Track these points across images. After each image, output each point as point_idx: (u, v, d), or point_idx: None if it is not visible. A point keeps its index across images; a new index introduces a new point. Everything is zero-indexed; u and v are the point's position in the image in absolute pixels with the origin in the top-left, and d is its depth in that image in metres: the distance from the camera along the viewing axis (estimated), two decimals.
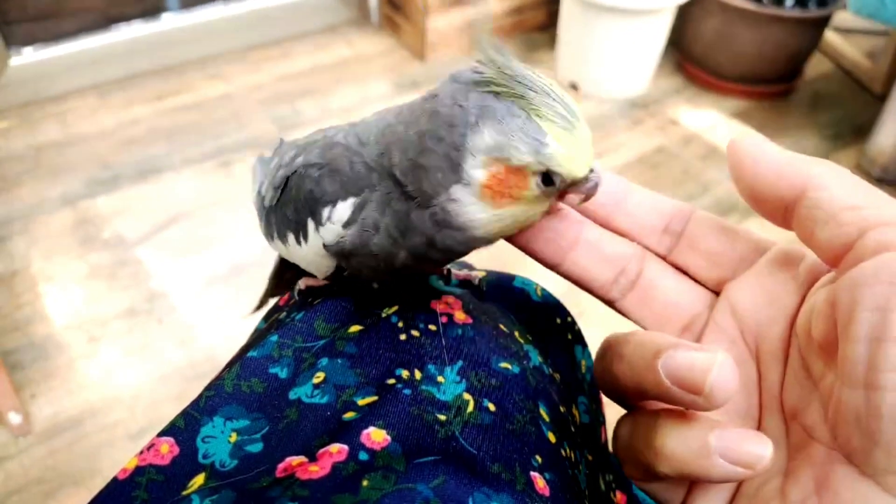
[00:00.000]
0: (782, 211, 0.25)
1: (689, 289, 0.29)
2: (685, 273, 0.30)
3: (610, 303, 0.30)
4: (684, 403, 0.23)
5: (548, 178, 0.27)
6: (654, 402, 0.26)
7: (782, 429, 0.25)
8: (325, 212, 0.31)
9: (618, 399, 0.27)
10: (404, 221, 0.29)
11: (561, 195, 0.28)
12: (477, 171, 0.27)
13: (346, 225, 0.31)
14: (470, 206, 0.27)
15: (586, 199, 0.29)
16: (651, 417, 0.25)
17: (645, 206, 0.30)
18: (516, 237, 0.30)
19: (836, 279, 0.23)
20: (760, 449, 0.22)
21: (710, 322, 0.28)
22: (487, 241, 0.29)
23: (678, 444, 0.23)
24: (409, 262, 0.30)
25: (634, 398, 0.26)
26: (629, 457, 0.26)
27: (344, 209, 0.30)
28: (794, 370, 0.25)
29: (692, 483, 0.26)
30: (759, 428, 0.26)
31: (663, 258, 0.30)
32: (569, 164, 0.26)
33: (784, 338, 0.26)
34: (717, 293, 0.29)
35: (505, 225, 0.29)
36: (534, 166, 0.26)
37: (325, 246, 0.32)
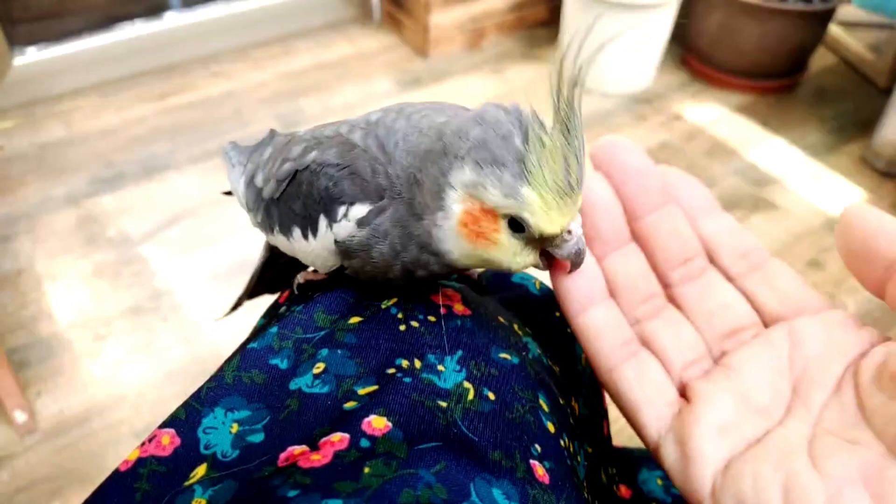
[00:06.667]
0: (880, 274, 0.26)
1: (747, 305, 0.31)
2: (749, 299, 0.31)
3: (663, 285, 0.32)
4: None
5: (516, 224, 0.27)
6: None
7: (807, 433, 0.27)
8: (342, 210, 0.31)
9: None
10: (407, 234, 0.30)
11: (546, 254, 0.29)
12: (455, 204, 0.28)
13: (360, 224, 0.31)
14: (449, 238, 0.29)
15: (572, 266, 0.29)
16: None
17: (730, 228, 0.32)
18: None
19: None
20: None
21: (763, 335, 0.29)
22: (466, 269, 0.31)
23: None
24: (399, 276, 0.32)
25: None
26: None
27: (361, 210, 0.31)
28: (846, 401, 0.27)
29: None
30: (779, 425, 0.28)
31: (732, 279, 0.31)
32: (542, 219, 0.27)
33: (837, 375, 0.27)
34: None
35: (480, 262, 0.30)
36: (502, 209, 0.27)
37: (335, 242, 0.32)
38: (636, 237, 0.32)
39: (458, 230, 0.28)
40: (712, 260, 0.32)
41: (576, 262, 0.29)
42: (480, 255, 0.29)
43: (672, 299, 0.32)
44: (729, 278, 0.31)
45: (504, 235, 0.28)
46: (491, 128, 0.27)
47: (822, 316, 0.29)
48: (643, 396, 0.29)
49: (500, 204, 0.27)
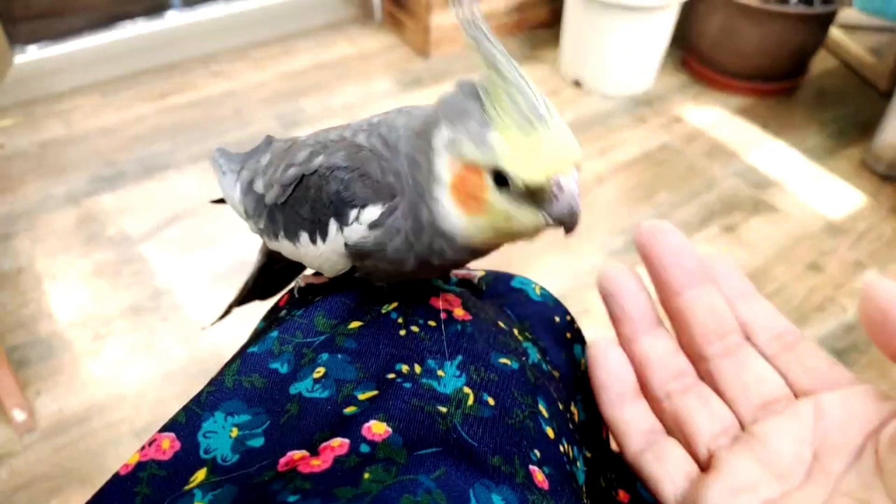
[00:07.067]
0: None
1: (780, 379, 0.32)
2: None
3: (698, 359, 0.33)
4: None
5: (501, 178, 0.27)
6: None
7: (823, 497, 0.27)
8: (353, 213, 0.31)
9: None
10: (418, 222, 0.30)
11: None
12: (443, 169, 0.28)
13: (373, 226, 0.31)
14: (448, 210, 0.29)
15: (566, 230, 0.28)
16: None
17: (766, 311, 0.33)
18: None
19: None
20: None
21: (791, 406, 0.30)
22: (479, 250, 0.31)
23: None
24: (415, 268, 0.32)
25: None
26: None
27: (373, 212, 0.31)
28: (865, 467, 0.27)
29: None
30: (798, 489, 0.28)
31: (766, 358, 0.33)
32: (518, 165, 0.26)
33: (857, 444, 0.28)
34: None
35: (486, 234, 0.29)
36: (481, 162, 0.27)
37: (346, 245, 0.32)
38: (675, 312, 0.33)
39: (452, 198, 0.28)
40: (748, 341, 0.33)
41: (568, 223, 0.27)
42: (479, 223, 0.29)
43: (707, 373, 0.33)
44: (763, 357, 0.32)
45: (492, 194, 0.27)
46: (460, 89, 0.29)
47: (849, 390, 0.30)
48: (663, 472, 0.31)
49: (476, 155, 0.27)
